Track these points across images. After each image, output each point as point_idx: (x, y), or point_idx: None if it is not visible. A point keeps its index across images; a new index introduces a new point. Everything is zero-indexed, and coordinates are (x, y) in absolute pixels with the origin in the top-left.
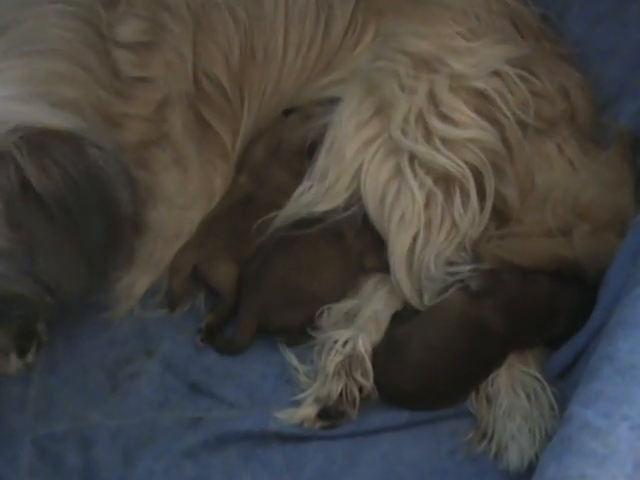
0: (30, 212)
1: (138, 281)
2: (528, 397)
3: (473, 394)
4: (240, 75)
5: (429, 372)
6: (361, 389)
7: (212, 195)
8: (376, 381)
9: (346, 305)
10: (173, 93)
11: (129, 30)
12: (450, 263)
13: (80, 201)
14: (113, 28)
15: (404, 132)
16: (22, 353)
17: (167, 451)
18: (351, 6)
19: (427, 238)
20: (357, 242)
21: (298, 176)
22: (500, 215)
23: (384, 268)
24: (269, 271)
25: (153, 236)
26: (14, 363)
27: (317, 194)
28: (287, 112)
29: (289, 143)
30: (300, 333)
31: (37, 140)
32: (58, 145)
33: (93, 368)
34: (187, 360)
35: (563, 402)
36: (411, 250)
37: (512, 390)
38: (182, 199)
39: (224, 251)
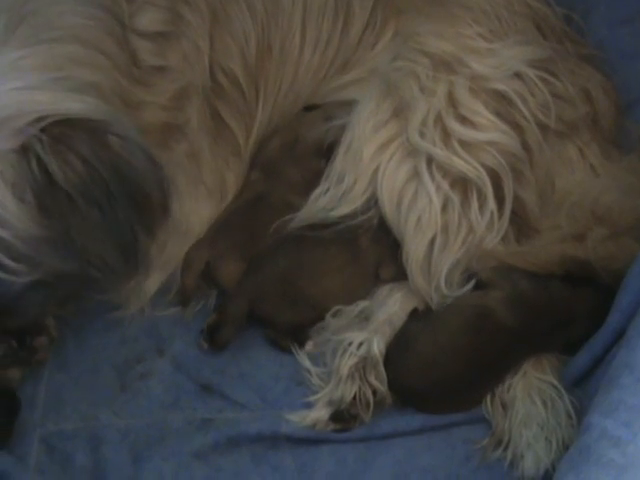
0: (59, 203)
1: (149, 279)
2: (545, 404)
3: (488, 400)
4: (256, 70)
5: (438, 369)
6: (375, 392)
7: (224, 192)
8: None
9: (358, 307)
10: (190, 85)
11: (148, 20)
12: (466, 269)
13: (105, 192)
14: (133, 17)
15: (422, 134)
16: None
17: (177, 452)
18: (370, 4)
19: (444, 242)
20: (372, 250)
21: (312, 175)
22: (519, 220)
23: (401, 277)
24: (272, 262)
25: (164, 232)
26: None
27: (334, 198)
28: (308, 108)
29: (305, 141)
30: (286, 335)
31: (58, 132)
32: (80, 136)
33: (103, 367)
34: (198, 360)
35: (580, 410)
36: (428, 254)
37: (528, 397)
38: (194, 195)
39: (235, 249)
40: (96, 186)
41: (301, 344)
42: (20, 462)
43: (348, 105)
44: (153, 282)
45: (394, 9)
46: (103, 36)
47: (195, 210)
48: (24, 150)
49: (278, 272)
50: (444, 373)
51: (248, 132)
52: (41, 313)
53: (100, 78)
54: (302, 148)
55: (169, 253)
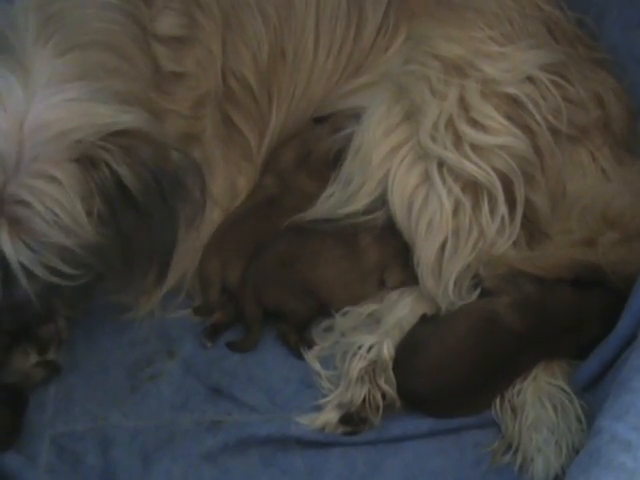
0: (122, 210)
1: (163, 280)
2: (555, 409)
3: (498, 403)
4: (269, 76)
5: (446, 372)
6: (384, 396)
7: (234, 196)
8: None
9: (367, 309)
10: (206, 91)
11: (167, 24)
12: (476, 274)
13: (163, 200)
14: (153, 21)
15: (433, 138)
16: (42, 350)
17: (186, 454)
18: (383, 8)
19: (455, 246)
20: (373, 251)
21: (326, 186)
22: (530, 224)
23: (408, 283)
24: (272, 247)
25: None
26: (34, 360)
27: (340, 199)
28: (317, 120)
29: (318, 154)
30: (293, 330)
31: (125, 143)
32: (145, 147)
33: (113, 368)
34: (208, 362)
35: (590, 415)
36: (439, 257)
37: (538, 401)
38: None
39: (242, 252)
40: (158, 195)
41: (309, 345)
42: (30, 462)
43: (357, 116)
44: (166, 282)
45: (406, 13)
46: (128, 42)
47: (207, 215)
48: (91, 161)
49: (278, 256)
50: (452, 376)
51: (260, 137)
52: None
53: (128, 88)
54: (316, 161)
55: (179, 256)
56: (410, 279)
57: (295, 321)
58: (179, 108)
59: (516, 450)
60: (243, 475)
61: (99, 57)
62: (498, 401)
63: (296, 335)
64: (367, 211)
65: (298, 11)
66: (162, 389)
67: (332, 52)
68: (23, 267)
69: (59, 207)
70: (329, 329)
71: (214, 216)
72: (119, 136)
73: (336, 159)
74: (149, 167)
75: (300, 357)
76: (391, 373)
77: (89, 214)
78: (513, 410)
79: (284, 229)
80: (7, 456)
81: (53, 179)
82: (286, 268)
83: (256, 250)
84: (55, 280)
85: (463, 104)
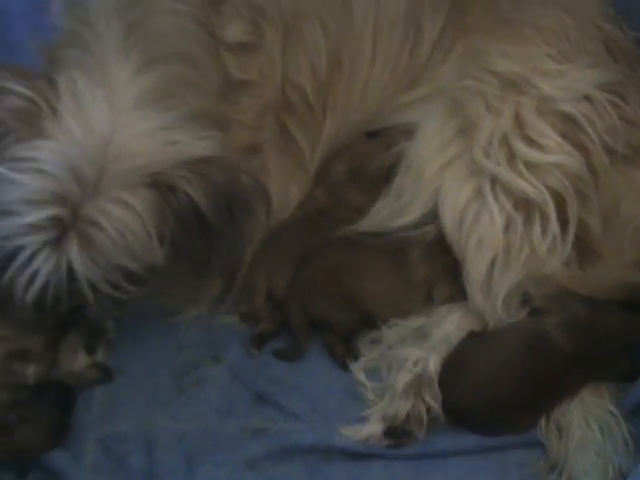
0: (194, 232)
1: (212, 285)
2: (602, 431)
3: (543, 423)
4: (325, 86)
5: (492, 390)
6: (429, 410)
7: (286, 205)
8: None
9: (414, 323)
10: (268, 100)
11: (235, 31)
12: (525, 292)
13: (232, 222)
14: (222, 29)
15: (487, 154)
16: (90, 350)
17: (230, 460)
18: (440, 22)
19: (505, 263)
20: (422, 266)
21: (376, 200)
22: (582, 244)
23: (456, 298)
24: (320, 258)
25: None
26: (82, 359)
27: (392, 212)
28: (370, 134)
29: (370, 169)
30: (340, 340)
31: (201, 170)
32: (219, 174)
33: (160, 370)
34: (254, 369)
35: (638, 438)
36: (489, 274)
37: (585, 422)
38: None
39: (287, 262)
40: (229, 216)
41: (355, 356)
42: (76, 460)
43: (409, 132)
44: (215, 288)
45: (463, 28)
46: (201, 52)
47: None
48: (169, 188)
49: (326, 266)
50: (498, 394)
51: (314, 146)
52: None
53: (201, 103)
54: (368, 177)
55: (230, 262)
56: (458, 294)
57: (341, 332)
58: (244, 118)
59: (561, 471)
60: None
61: (177, 70)
62: (544, 421)
63: (342, 346)
64: (418, 225)
65: (357, 23)
66: (208, 394)
67: (388, 64)
68: (88, 281)
69: (131, 234)
70: (375, 341)
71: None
72: (196, 164)
73: (388, 174)
74: (222, 192)
75: (346, 368)
76: (436, 388)
77: (161, 239)
78: (559, 430)
79: (333, 241)
80: (54, 454)
81: (128, 206)
82: (334, 279)
83: (304, 260)
84: (115, 294)
85: (518, 121)
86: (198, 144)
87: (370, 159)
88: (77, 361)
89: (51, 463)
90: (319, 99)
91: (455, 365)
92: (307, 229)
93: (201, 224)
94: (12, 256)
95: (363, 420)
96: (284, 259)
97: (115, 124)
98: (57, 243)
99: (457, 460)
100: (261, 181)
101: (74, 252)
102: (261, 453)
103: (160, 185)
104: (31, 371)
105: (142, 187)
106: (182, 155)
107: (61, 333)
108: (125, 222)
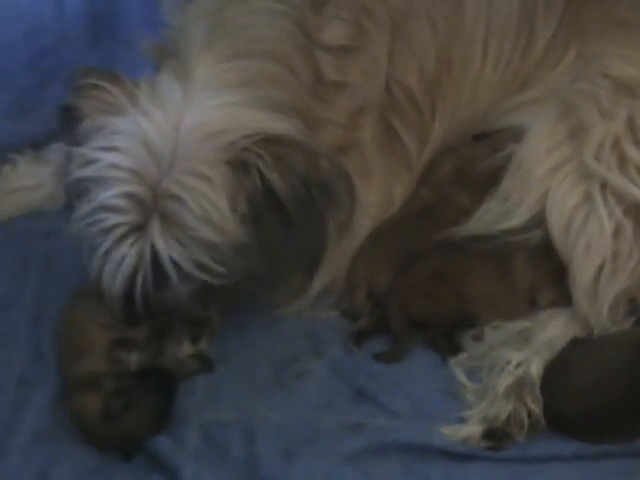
0: (273, 214)
1: (314, 280)
2: None
3: None
4: (433, 86)
5: (594, 398)
6: (530, 414)
7: (391, 203)
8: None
9: (517, 326)
10: (367, 101)
11: (334, 33)
12: (633, 299)
13: (314, 208)
14: (320, 30)
15: (597, 158)
16: (195, 339)
17: (328, 453)
18: (554, 23)
19: (613, 270)
20: (527, 271)
21: (482, 202)
22: None
23: (560, 303)
24: (423, 261)
25: (333, 240)
26: (187, 348)
27: (498, 214)
28: (477, 137)
29: (477, 173)
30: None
31: (277, 150)
32: (296, 156)
33: (261, 362)
34: (355, 365)
35: None
36: (596, 280)
37: None
38: (363, 207)
39: (389, 260)
40: (308, 202)
41: (455, 351)
42: (178, 446)
43: (517, 136)
44: (317, 284)
45: (578, 29)
46: (292, 51)
47: (361, 219)
48: (243, 164)
49: (429, 270)
50: (601, 403)
51: (421, 146)
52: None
53: (288, 97)
54: (474, 179)
55: (333, 258)
56: (562, 299)
57: (441, 330)
58: (337, 117)
59: None
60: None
61: (262, 66)
62: None
63: (443, 340)
64: (524, 229)
65: (468, 23)
66: (308, 387)
67: (499, 65)
68: (173, 262)
69: (208, 203)
70: (477, 339)
71: (367, 222)
72: (272, 143)
73: (494, 177)
74: (299, 175)
75: (445, 360)
76: (538, 392)
77: (234, 212)
78: None
79: (437, 244)
80: (157, 439)
81: (204, 177)
82: (436, 283)
83: (405, 261)
84: (202, 276)
85: (631, 125)
86: (274, 123)
87: (476, 162)
88: (182, 350)
89: (154, 448)
90: (427, 100)
91: (558, 370)
92: (411, 228)
93: (275, 206)
94: (97, 242)
95: (462, 420)
96: (386, 258)
97: (188, 103)
98: (140, 228)
99: (556, 466)
100: (344, 169)
101: (156, 232)
102: (359, 448)
103: (234, 160)
104: (134, 358)
105: (216, 159)
106: (256, 129)
107: (167, 326)
108: (201, 192)
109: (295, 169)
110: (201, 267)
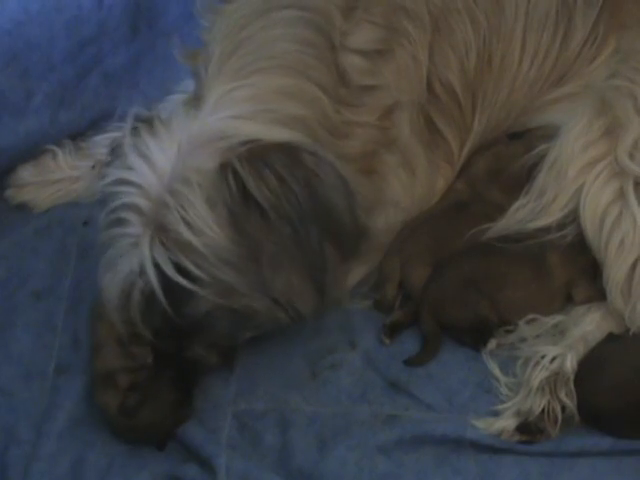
0: (251, 220)
1: (352, 272)
2: None
3: None
4: (474, 82)
5: (629, 393)
6: (564, 409)
7: (433, 196)
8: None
9: (552, 320)
10: (403, 99)
11: (364, 38)
12: None
13: (298, 209)
14: (347, 35)
15: (632, 156)
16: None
17: (361, 444)
18: (592, 18)
19: None
20: (562, 269)
21: (516, 200)
22: None
23: (595, 299)
24: (456, 266)
25: (376, 234)
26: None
27: (532, 211)
28: (512, 136)
29: (511, 172)
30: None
31: (257, 152)
32: (276, 155)
33: (295, 353)
34: (389, 357)
35: None
36: (629, 277)
37: None
38: (409, 201)
39: (423, 254)
40: (289, 202)
41: (485, 343)
42: (212, 435)
43: (552, 135)
44: (355, 275)
45: (617, 24)
46: (313, 62)
47: (408, 211)
48: (224, 167)
49: (462, 275)
50: (634, 399)
51: (462, 141)
52: (231, 338)
53: (307, 111)
54: (508, 178)
55: (375, 249)
56: (598, 295)
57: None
58: (366, 119)
59: None
60: (415, 471)
61: (277, 81)
62: None
63: (471, 339)
64: (558, 226)
65: (508, 18)
66: (342, 378)
67: (537, 60)
68: (155, 265)
69: (190, 206)
70: (510, 331)
71: (404, 216)
72: (260, 148)
73: (528, 175)
74: (280, 175)
75: (478, 349)
76: (572, 386)
77: (214, 215)
78: None
79: (470, 247)
80: (191, 428)
81: (189, 182)
82: (469, 289)
83: (439, 263)
84: (182, 281)
85: None
86: (275, 133)
87: (510, 161)
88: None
89: (188, 437)
90: (468, 95)
91: (593, 366)
92: (446, 222)
93: (258, 211)
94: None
95: (496, 414)
96: (419, 252)
97: (192, 120)
98: (136, 240)
99: (590, 461)
100: (345, 178)
101: (147, 242)
102: (392, 439)
103: (219, 168)
104: (149, 352)
105: (205, 168)
106: (252, 135)
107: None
108: (185, 196)
109: (273, 166)
110: (180, 270)
